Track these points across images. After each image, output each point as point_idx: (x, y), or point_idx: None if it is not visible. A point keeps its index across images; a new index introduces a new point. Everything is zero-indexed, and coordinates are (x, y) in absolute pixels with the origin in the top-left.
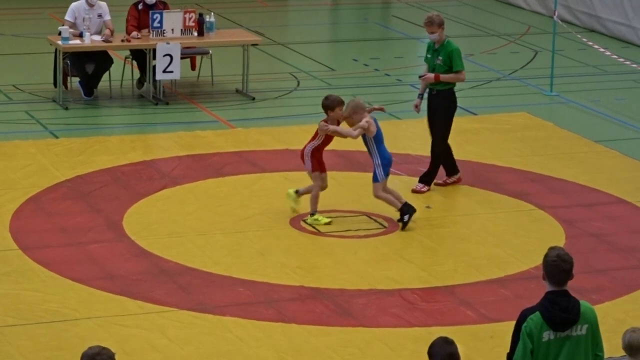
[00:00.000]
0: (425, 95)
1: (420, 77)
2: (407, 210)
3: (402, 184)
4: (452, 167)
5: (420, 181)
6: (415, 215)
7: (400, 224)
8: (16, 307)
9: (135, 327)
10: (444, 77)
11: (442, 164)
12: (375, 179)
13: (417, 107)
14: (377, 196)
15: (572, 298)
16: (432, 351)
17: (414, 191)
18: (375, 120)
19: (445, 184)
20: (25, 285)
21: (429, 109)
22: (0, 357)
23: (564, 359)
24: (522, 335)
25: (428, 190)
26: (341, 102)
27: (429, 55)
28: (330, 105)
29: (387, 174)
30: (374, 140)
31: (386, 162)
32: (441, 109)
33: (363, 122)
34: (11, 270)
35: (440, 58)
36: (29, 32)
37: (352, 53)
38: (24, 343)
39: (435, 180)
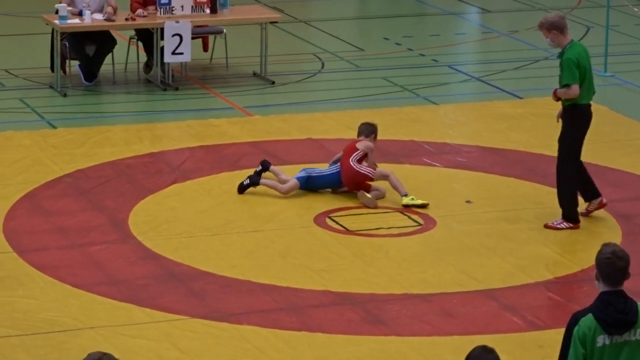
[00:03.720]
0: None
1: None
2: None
3: (440, 176)
4: (590, 191)
5: (586, 200)
6: (454, 212)
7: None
8: (11, 316)
9: (142, 337)
10: (559, 91)
11: (578, 189)
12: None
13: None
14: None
15: (629, 299)
16: None
17: (548, 227)
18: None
19: (587, 213)
20: (20, 291)
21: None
22: None
23: None
24: (574, 340)
25: (571, 227)
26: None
27: None
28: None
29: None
30: None
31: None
32: (563, 128)
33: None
34: (5, 276)
35: (560, 67)
36: (22, 10)
37: (382, 31)
38: (20, 356)
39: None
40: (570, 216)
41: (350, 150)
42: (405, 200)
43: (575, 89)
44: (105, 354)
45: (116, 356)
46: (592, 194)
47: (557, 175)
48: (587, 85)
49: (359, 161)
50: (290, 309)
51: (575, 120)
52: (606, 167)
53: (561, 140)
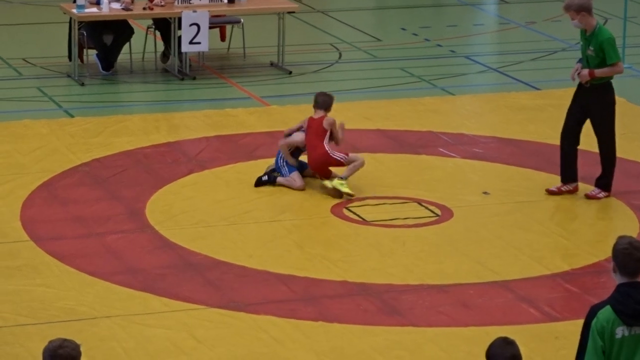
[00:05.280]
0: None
1: (577, 73)
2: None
3: (457, 167)
4: (572, 173)
5: (596, 186)
6: (471, 203)
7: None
8: (28, 305)
9: (159, 326)
10: (598, 72)
11: (561, 167)
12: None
13: (576, 71)
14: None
15: None
16: (491, 353)
17: (588, 197)
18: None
19: (557, 192)
20: (38, 280)
21: (577, 104)
22: None
23: None
24: (592, 333)
25: (607, 196)
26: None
27: (581, 43)
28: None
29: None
30: None
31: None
32: (599, 107)
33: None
34: (22, 264)
35: (592, 48)
36: None
37: (399, 21)
38: (37, 344)
39: (549, 188)
40: (609, 186)
41: (319, 131)
42: (336, 182)
43: (621, 66)
44: (65, 340)
45: (133, 346)
46: (572, 176)
47: (609, 155)
48: None
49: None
50: (306, 299)
51: (611, 98)
52: (624, 158)
53: (603, 124)
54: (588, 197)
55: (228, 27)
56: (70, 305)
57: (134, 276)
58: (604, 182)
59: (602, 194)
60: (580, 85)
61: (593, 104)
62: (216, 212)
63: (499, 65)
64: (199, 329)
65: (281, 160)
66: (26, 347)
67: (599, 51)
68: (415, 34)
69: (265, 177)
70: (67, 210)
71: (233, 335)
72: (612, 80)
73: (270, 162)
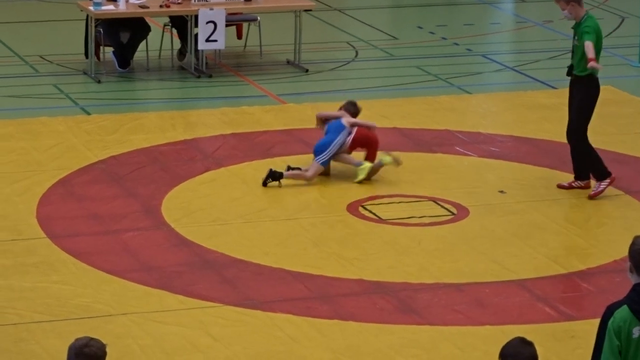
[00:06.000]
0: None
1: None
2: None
3: (473, 166)
4: (582, 170)
5: (596, 180)
6: (487, 201)
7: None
8: (44, 302)
9: (175, 324)
10: (586, 45)
11: (573, 163)
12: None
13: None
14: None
15: None
16: (507, 352)
17: (592, 196)
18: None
19: (567, 187)
20: (54, 277)
21: (569, 95)
22: (26, 357)
23: None
24: (609, 333)
25: (612, 181)
26: None
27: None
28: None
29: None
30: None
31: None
32: (579, 99)
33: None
34: (38, 261)
35: (576, 38)
36: None
37: (416, 19)
38: (52, 342)
39: (560, 183)
40: (603, 174)
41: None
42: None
43: (589, 46)
44: (92, 339)
45: (149, 343)
46: (582, 173)
47: (577, 148)
48: (599, 56)
49: None
50: (322, 297)
51: (592, 90)
52: (639, 158)
53: (578, 111)
54: (591, 197)
55: (245, 25)
56: (87, 302)
57: (150, 274)
58: (598, 173)
59: (603, 185)
60: (570, 81)
61: (576, 95)
62: (232, 210)
63: (516, 64)
64: (215, 327)
65: (334, 146)
66: (42, 344)
67: (581, 40)
68: (432, 33)
69: (269, 179)
70: (83, 207)
71: (249, 333)
72: (623, 78)
73: (286, 160)
